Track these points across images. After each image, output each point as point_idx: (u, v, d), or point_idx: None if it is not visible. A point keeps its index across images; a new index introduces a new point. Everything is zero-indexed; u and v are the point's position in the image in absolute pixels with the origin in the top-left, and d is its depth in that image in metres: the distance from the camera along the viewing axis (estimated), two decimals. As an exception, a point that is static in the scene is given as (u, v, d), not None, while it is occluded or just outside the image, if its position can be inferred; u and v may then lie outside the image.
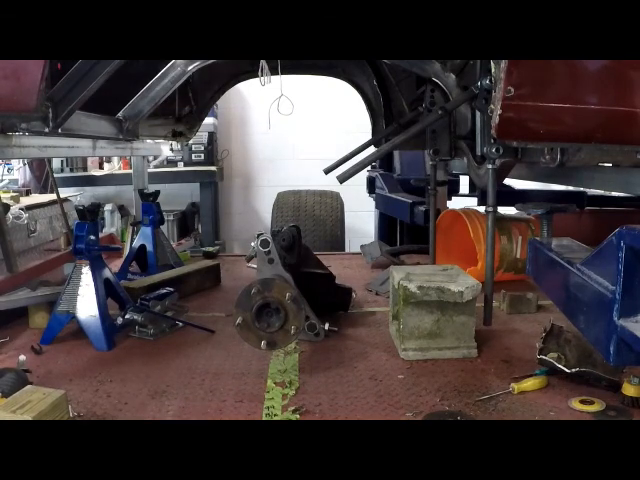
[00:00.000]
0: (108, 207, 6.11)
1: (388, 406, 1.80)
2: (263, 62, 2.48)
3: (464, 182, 4.95)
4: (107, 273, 2.50)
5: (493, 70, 1.87)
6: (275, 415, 1.74)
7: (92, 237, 2.40)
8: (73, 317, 2.35)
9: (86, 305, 2.33)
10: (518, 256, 3.19)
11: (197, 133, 4.03)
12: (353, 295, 2.79)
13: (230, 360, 2.20)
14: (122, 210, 6.35)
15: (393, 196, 4.70)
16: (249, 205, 7.44)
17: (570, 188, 4.44)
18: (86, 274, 2.36)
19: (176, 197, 6.66)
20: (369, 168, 5.55)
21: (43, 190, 5.21)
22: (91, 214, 2.45)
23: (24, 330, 2.56)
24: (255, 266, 2.35)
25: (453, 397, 1.85)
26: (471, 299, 2.13)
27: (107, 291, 2.46)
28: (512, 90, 1.74)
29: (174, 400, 1.86)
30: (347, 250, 5.99)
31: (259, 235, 2.32)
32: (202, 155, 6.53)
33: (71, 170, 6.19)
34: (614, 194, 4.42)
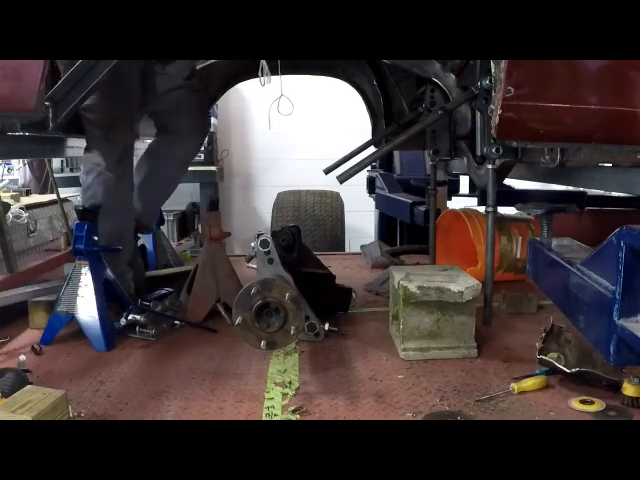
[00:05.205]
0: (108, 207, 6.10)
1: (388, 406, 1.80)
2: (263, 62, 2.48)
3: (464, 182, 4.94)
4: (107, 273, 2.50)
5: (493, 70, 1.88)
6: (275, 415, 1.74)
7: (92, 237, 2.40)
8: (73, 317, 2.35)
9: (86, 306, 2.33)
10: (518, 256, 3.19)
11: (197, 133, 4.02)
12: (353, 295, 2.79)
13: (230, 360, 2.20)
14: (122, 210, 6.34)
15: (393, 196, 4.69)
16: (249, 205, 7.43)
17: (570, 188, 4.43)
18: (85, 274, 2.35)
19: (176, 197, 6.60)
20: (369, 168, 5.54)
21: (43, 190, 5.20)
22: (91, 214, 2.44)
23: (24, 330, 2.55)
24: (255, 266, 2.35)
25: (453, 397, 1.85)
26: (471, 299, 2.13)
27: (107, 292, 2.46)
28: (512, 90, 1.74)
29: (174, 400, 1.86)
30: (347, 250, 5.98)
31: (259, 235, 2.32)
32: (202, 155, 6.52)
33: (71, 170, 6.17)
34: (614, 194, 4.42)
